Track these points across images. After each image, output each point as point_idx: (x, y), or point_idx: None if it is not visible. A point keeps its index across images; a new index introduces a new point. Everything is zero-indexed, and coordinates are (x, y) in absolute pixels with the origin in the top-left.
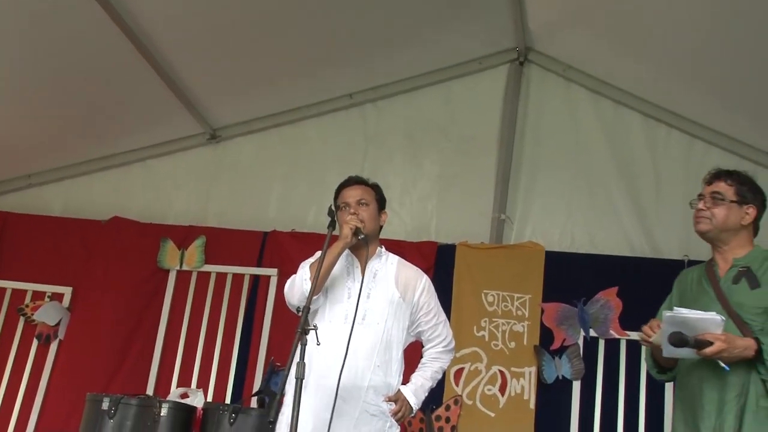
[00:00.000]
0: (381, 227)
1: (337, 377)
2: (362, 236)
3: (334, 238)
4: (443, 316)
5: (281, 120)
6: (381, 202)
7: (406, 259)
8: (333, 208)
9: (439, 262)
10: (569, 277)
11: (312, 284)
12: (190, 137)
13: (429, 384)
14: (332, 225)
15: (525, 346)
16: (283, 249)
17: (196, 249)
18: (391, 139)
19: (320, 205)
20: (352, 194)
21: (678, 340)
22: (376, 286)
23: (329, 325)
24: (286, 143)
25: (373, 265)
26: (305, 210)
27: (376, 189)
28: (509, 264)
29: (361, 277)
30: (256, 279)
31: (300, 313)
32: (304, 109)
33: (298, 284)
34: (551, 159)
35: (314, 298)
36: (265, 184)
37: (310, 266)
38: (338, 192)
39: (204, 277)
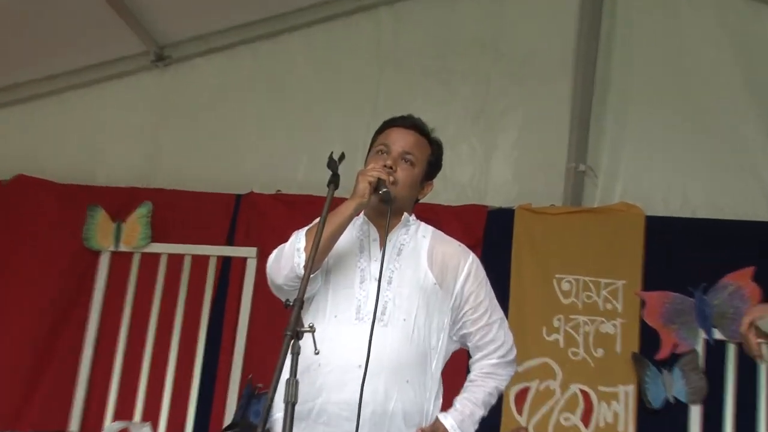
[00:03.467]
0: (417, 201)
1: (350, 400)
2: (384, 190)
3: (336, 202)
4: (499, 312)
5: (255, 33)
6: (432, 169)
7: (442, 231)
8: (340, 155)
9: (489, 235)
10: (681, 253)
11: (309, 256)
12: (127, 59)
13: (480, 412)
14: (334, 181)
15: (618, 355)
16: (265, 219)
17: (138, 221)
18: (416, 61)
19: (315, 156)
20: (402, 139)
21: None
22: (400, 266)
23: (334, 323)
24: (263, 66)
25: (396, 236)
26: (294, 162)
27: (435, 148)
28: (593, 236)
29: (380, 254)
30: (226, 263)
31: (289, 306)
32: (289, 17)
33: (288, 255)
34: (650, 87)
35: (312, 275)
36: (236, 126)
37: (308, 232)
38: (383, 127)
39: (151, 261)
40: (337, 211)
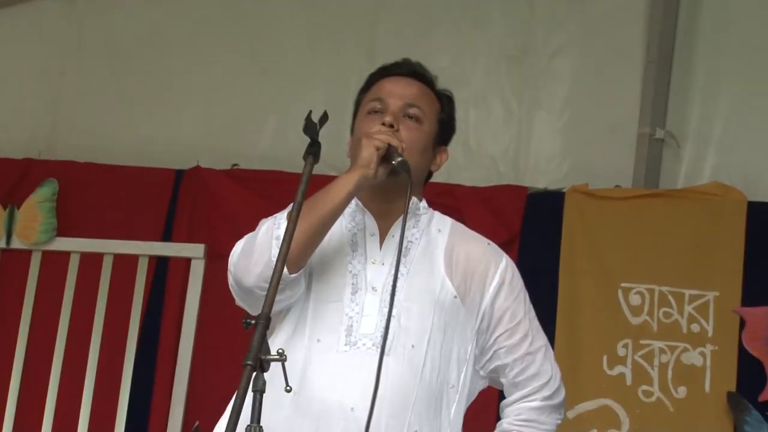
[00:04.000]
0: (431, 174)
1: None
2: (399, 159)
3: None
4: (543, 337)
5: None
6: (445, 130)
7: (466, 224)
8: (322, 116)
9: (530, 228)
10: None
11: (282, 249)
12: None
13: None
14: (313, 152)
15: (708, 395)
16: (216, 204)
17: (39, 207)
18: None
19: (285, 117)
20: (400, 90)
21: None
22: (408, 271)
23: (317, 350)
24: None
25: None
26: (257, 126)
27: (445, 102)
28: (674, 230)
29: (380, 254)
30: (161, 265)
31: (250, 326)
32: None
33: (262, 246)
34: (756, 22)
35: (291, 277)
36: (176, 75)
37: (288, 214)
38: (371, 81)
39: (57, 262)
40: (330, 188)
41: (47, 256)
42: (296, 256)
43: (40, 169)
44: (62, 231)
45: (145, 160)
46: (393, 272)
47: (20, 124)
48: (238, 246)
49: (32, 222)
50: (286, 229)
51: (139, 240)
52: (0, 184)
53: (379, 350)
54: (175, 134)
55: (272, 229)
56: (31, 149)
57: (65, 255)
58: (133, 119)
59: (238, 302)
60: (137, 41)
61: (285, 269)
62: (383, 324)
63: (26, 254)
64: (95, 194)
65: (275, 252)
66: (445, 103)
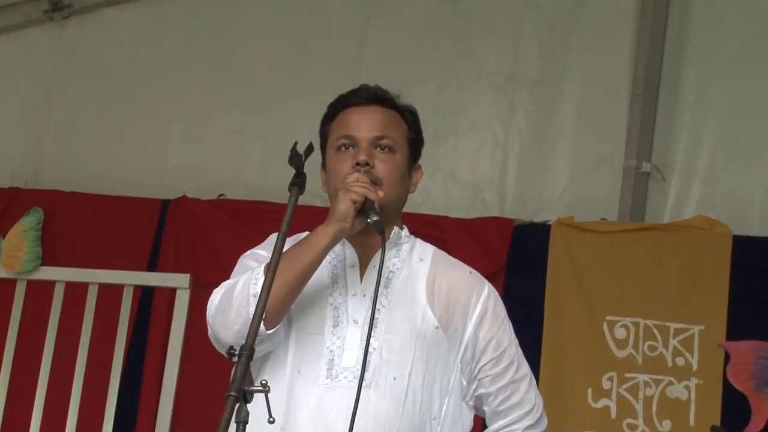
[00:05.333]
0: (406, 196)
1: None
2: (375, 219)
3: (302, 213)
4: (525, 366)
5: None
6: (415, 147)
7: (450, 253)
8: (307, 147)
9: (516, 260)
10: None
11: (261, 303)
12: (10, 7)
13: None
14: (298, 183)
15: (693, 429)
16: (202, 234)
17: (24, 236)
18: (415, 6)
19: (272, 148)
20: (367, 121)
21: None
22: (390, 302)
23: (298, 382)
24: (201, 20)
25: (385, 259)
26: (243, 156)
27: (410, 118)
28: (659, 263)
29: (360, 286)
30: (147, 294)
31: (234, 359)
32: None
33: (239, 303)
34: (744, 51)
35: (268, 333)
36: (162, 104)
37: (266, 267)
38: (333, 113)
39: (41, 291)
40: (307, 243)
41: (32, 285)
42: (273, 313)
43: (25, 197)
44: (47, 260)
45: (131, 189)
46: (369, 301)
47: (5, 153)
48: (216, 296)
49: (17, 251)
50: (263, 286)
51: (125, 269)
52: None
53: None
54: (161, 164)
55: (249, 284)
56: (16, 178)
57: (50, 284)
58: (119, 148)
59: (218, 349)
60: (123, 71)
61: (262, 325)
62: (362, 357)
63: (11, 283)
64: (81, 223)
65: (253, 310)
66: (411, 119)
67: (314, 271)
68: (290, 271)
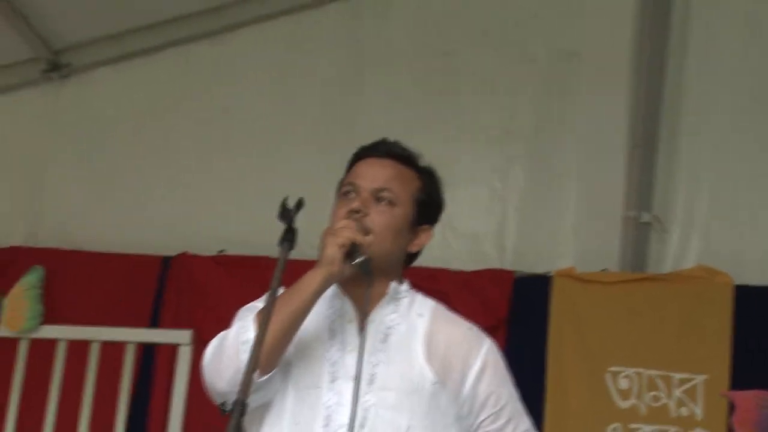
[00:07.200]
0: (413, 255)
1: None
2: (361, 259)
3: (296, 268)
4: (525, 421)
5: (186, 31)
6: (425, 209)
7: (451, 307)
8: (297, 202)
9: (517, 313)
10: None
11: (256, 352)
12: (8, 68)
13: None
14: (288, 239)
15: None
16: (203, 290)
17: (25, 295)
18: (407, 56)
19: (271, 203)
20: (373, 173)
21: None
22: (387, 358)
23: None
24: (196, 77)
25: (381, 315)
26: (243, 213)
27: (426, 180)
28: (661, 313)
29: (357, 340)
30: (149, 351)
31: (227, 412)
32: (233, 10)
33: (230, 351)
34: (740, 102)
35: (261, 380)
36: (161, 161)
37: (256, 316)
38: (351, 163)
39: (43, 349)
40: (297, 288)
41: (34, 343)
42: (265, 360)
43: (25, 256)
44: (49, 318)
45: (133, 247)
46: (371, 360)
47: (3, 213)
48: (210, 347)
49: (19, 310)
50: (257, 334)
51: (126, 327)
52: None
53: None
54: (161, 220)
55: (239, 333)
56: (16, 236)
57: (52, 342)
58: (117, 206)
59: (214, 400)
60: (121, 128)
61: (255, 371)
62: (359, 413)
63: (13, 342)
64: (82, 281)
65: (243, 357)
66: (427, 180)
67: (304, 317)
68: (280, 317)
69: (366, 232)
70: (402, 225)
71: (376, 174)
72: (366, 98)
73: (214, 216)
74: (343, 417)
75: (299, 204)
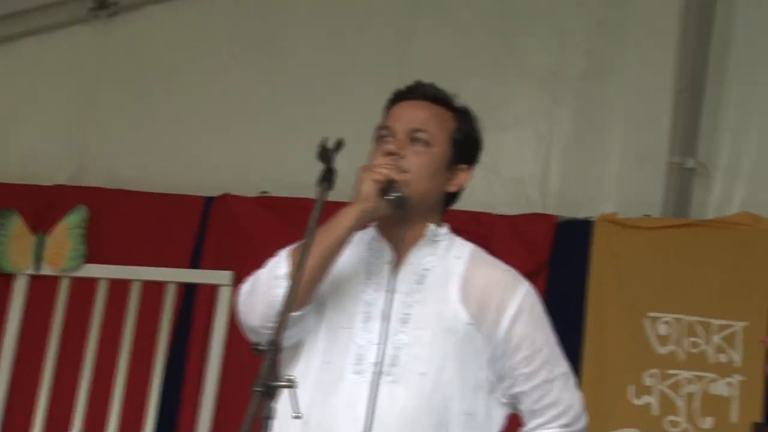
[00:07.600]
0: (452, 195)
1: None
2: (396, 195)
3: (328, 209)
4: (563, 365)
5: None
6: (462, 149)
7: (494, 254)
8: (336, 142)
9: (558, 257)
10: None
11: (292, 287)
12: (55, 6)
13: None
14: (327, 178)
15: (735, 426)
16: (245, 231)
17: (68, 234)
18: (462, 6)
19: (315, 145)
20: (408, 114)
21: None
22: (423, 299)
23: (326, 374)
24: (249, 19)
25: (419, 257)
26: (286, 154)
27: (463, 120)
28: (702, 260)
29: (393, 280)
30: (189, 291)
31: (261, 352)
32: None
33: (263, 287)
34: None
35: (297, 314)
36: (207, 102)
37: (291, 253)
38: (388, 107)
39: (85, 288)
40: (332, 223)
41: (75, 282)
42: (300, 294)
43: (69, 195)
44: (91, 257)
45: (174, 187)
46: (406, 301)
47: (49, 151)
48: (246, 285)
49: (61, 249)
50: (292, 270)
51: (168, 267)
52: (30, 210)
53: (388, 378)
54: (204, 161)
55: (274, 269)
56: (60, 176)
57: (93, 281)
58: (162, 146)
59: (249, 338)
60: (168, 68)
61: (290, 307)
62: (391, 352)
63: (55, 280)
64: (124, 221)
65: (276, 292)
66: (463, 120)
67: (339, 252)
68: (314, 252)
69: (404, 172)
70: (439, 165)
71: (411, 115)
72: (415, 41)
73: (258, 157)
74: (375, 356)
75: (338, 144)
